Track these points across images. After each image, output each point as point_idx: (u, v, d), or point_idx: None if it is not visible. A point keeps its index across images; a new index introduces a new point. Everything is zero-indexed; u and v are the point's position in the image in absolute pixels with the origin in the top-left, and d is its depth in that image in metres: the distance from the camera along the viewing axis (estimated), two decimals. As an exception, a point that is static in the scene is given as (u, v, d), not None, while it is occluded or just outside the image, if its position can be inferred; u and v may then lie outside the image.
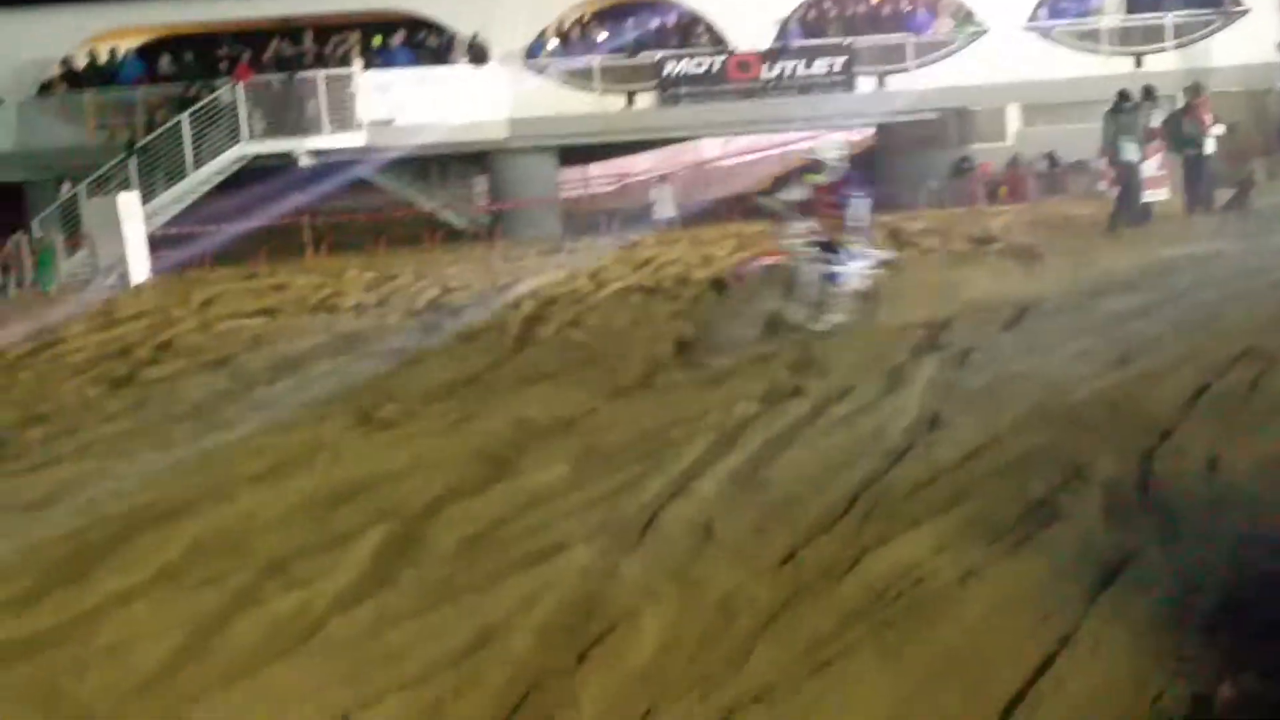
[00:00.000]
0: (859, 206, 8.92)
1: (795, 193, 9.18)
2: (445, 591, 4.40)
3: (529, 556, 4.71)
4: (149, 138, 20.94)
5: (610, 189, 26.60)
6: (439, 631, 3.94)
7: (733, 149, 28.74)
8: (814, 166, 9.22)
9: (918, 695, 3.21)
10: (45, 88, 23.06)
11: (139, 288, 18.52)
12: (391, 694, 3.33)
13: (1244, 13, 21.73)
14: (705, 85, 22.23)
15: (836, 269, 8.69)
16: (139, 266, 19.11)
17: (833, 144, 10.04)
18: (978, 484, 5.39)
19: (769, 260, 8.99)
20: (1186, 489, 5.06)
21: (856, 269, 8.88)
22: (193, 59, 23.04)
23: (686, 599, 4.12)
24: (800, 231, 8.74)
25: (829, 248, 8.77)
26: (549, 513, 5.46)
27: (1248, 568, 3.90)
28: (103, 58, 23.38)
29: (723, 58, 22.52)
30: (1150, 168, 15.97)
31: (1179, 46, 21.86)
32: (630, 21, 22.91)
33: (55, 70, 23.10)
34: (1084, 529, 4.57)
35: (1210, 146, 15.82)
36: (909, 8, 23.04)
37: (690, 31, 22.53)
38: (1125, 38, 22.32)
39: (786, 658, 3.55)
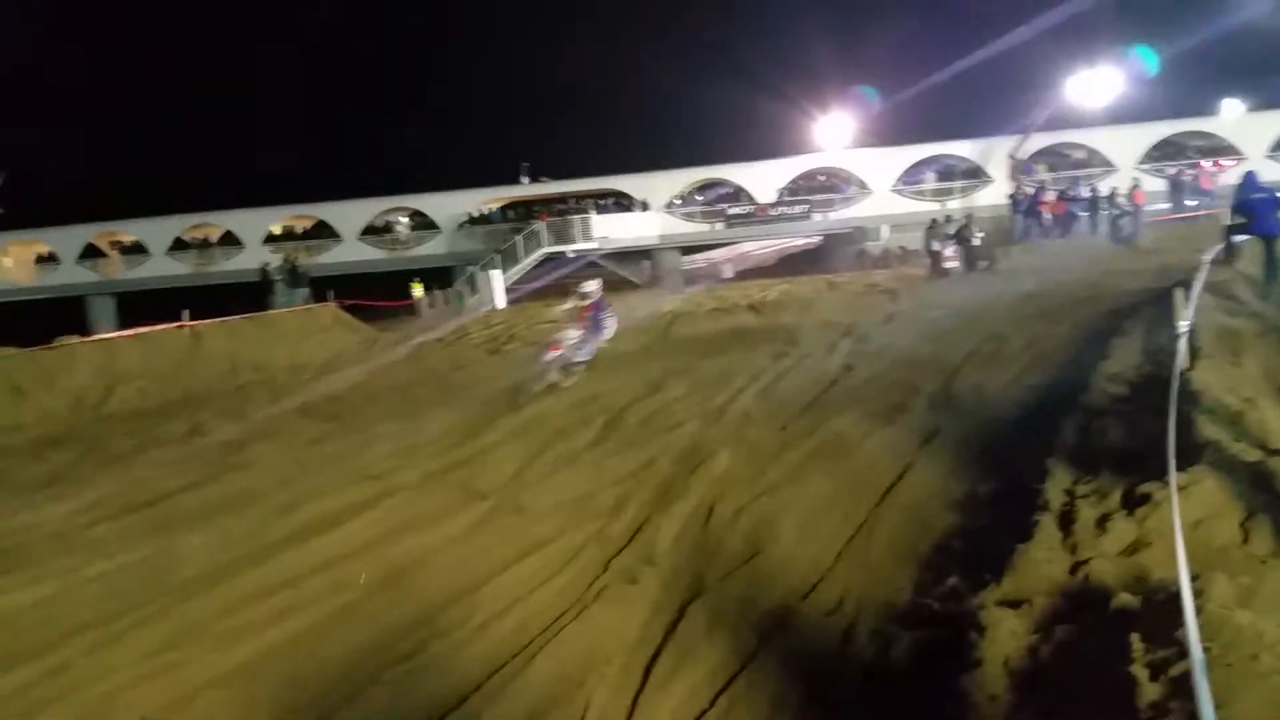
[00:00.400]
0: (606, 319, 12.93)
1: (570, 303, 13.34)
2: (631, 443, 8.69)
3: (667, 427, 9.13)
4: (504, 246, 38.76)
5: (703, 265, 45.84)
6: (629, 460, 8.06)
7: (757, 245, 50.49)
8: (581, 296, 13.04)
9: (841, 490, 6.70)
10: (462, 224, 42.95)
11: (500, 311, 31.61)
12: (609, 486, 7.32)
13: (992, 180, 39.41)
14: (745, 218, 41.79)
15: (586, 348, 12.52)
16: (500, 301, 34.22)
17: (593, 284, 13.39)
18: (869, 395, 9.71)
19: (555, 349, 12.24)
20: (965, 396, 9.19)
21: (591, 348, 12.56)
22: (522, 210, 43.47)
23: (737, 445, 8.18)
24: (571, 335, 12.44)
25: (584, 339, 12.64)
26: (677, 409, 10.10)
27: (991, 432, 7.68)
28: (485, 210, 43.90)
29: (753, 205, 41.91)
30: (948, 252, 26.01)
31: (961, 195, 39.70)
32: (711, 191, 43.43)
33: (465, 217, 43.15)
34: (919, 415, 8.51)
35: (977, 241, 25.49)
36: (836, 182, 42.17)
37: (739, 194, 42.45)
38: (936, 193, 40.49)
39: (781, 472, 7.36)
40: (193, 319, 19.13)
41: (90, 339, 16.80)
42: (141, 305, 33.96)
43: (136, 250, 44.09)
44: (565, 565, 5.75)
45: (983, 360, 11.09)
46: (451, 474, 8.18)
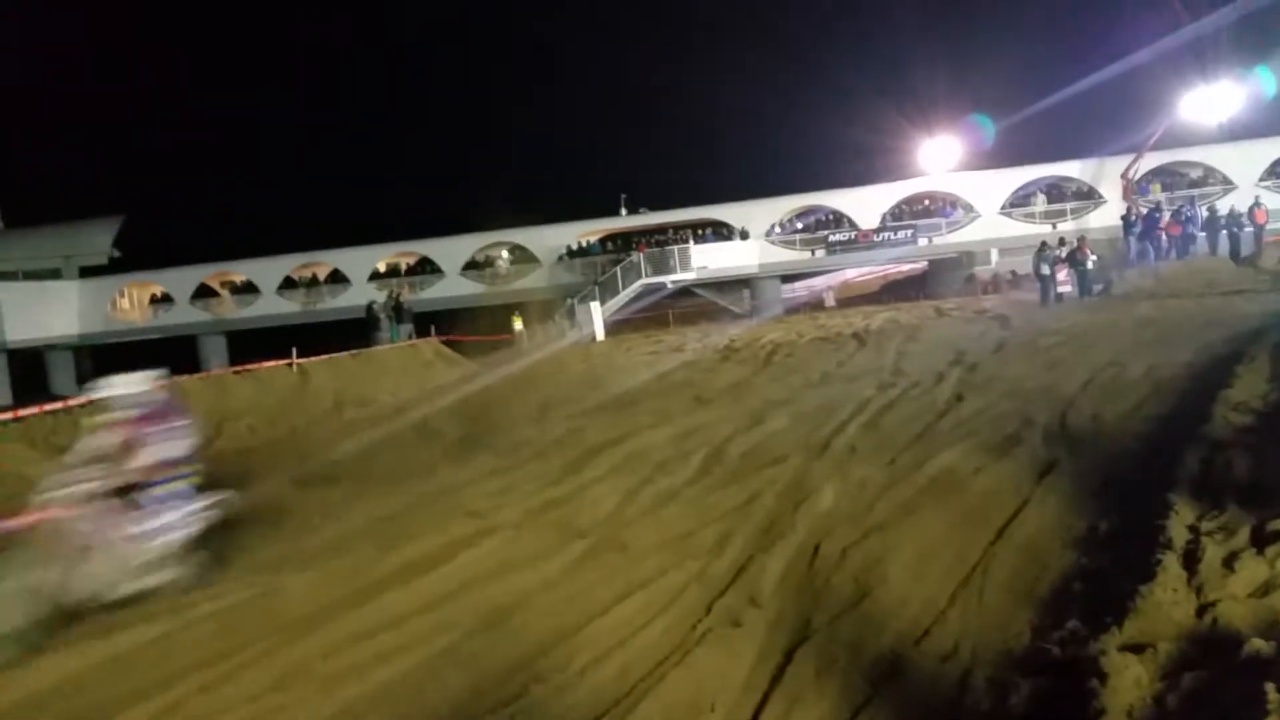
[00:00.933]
0: (167, 440, 6.84)
1: (92, 444, 6.64)
2: (733, 477, 8.60)
3: (771, 461, 9.00)
4: (603, 277, 39.75)
5: (805, 293, 46.12)
6: (731, 495, 7.96)
7: (860, 272, 50.08)
8: (104, 406, 6.93)
9: (953, 528, 6.44)
10: (561, 257, 43.76)
11: (599, 340, 33.41)
12: (711, 524, 7.20)
13: (1105, 201, 38.50)
14: (846, 244, 41.56)
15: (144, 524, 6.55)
16: (600, 332, 35.23)
17: (129, 381, 7.02)
18: (980, 427, 9.46)
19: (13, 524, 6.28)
20: (1082, 428, 8.89)
21: (174, 517, 6.77)
22: (621, 241, 44.25)
23: (843, 481, 8.01)
24: (83, 479, 6.32)
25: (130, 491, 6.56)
26: (779, 441, 9.97)
27: (1110, 465, 7.38)
28: (583, 242, 44.63)
29: (854, 231, 41.74)
30: (1060, 276, 26.11)
31: (1073, 217, 38.91)
32: (812, 217, 43.29)
33: (564, 249, 43.96)
34: (1033, 448, 8.29)
35: (1090, 265, 25.56)
36: (942, 206, 41.57)
37: (840, 220, 42.29)
38: (1046, 215, 39.88)
39: (889, 509, 7.13)
40: (301, 356, 19.74)
41: (200, 375, 17.36)
42: (251, 343, 35.30)
43: (247, 289, 45.85)
44: (668, 606, 5.64)
45: (1099, 390, 10.78)
46: (551, 512, 8.16)
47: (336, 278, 45.32)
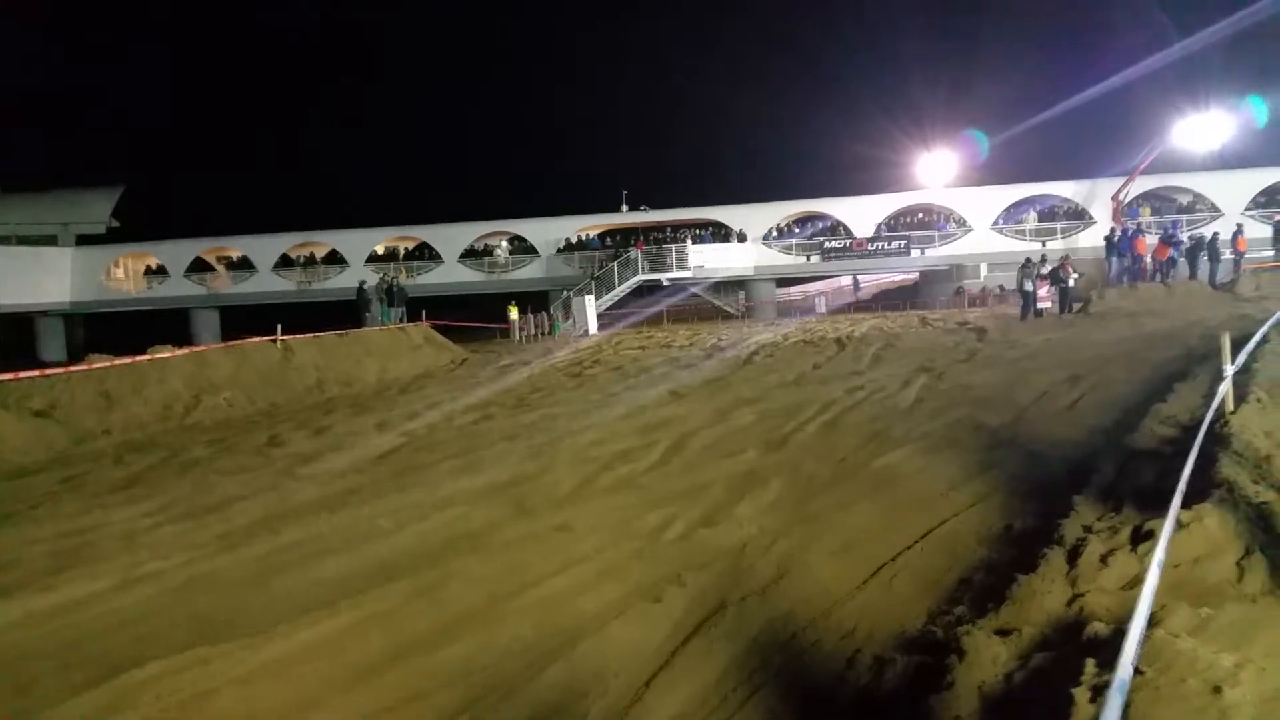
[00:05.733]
0: None
1: None
2: (689, 468, 8.98)
3: (729, 454, 9.42)
4: (600, 272, 40.71)
5: (798, 298, 47.47)
6: (683, 483, 8.38)
7: (853, 280, 50.38)
8: None
9: (884, 521, 6.80)
10: (559, 250, 44.66)
11: (592, 336, 33.32)
12: (657, 509, 7.51)
13: (1095, 222, 39.39)
14: (842, 251, 42.44)
15: None
16: (593, 327, 36.06)
17: None
18: (932, 430, 9.81)
19: None
20: (1026, 435, 9.32)
21: None
22: (620, 237, 44.82)
23: (792, 475, 8.36)
24: None
25: None
26: (741, 436, 10.34)
27: (1042, 470, 7.65)
28: (582, 236, 45.71)
29: (850, 239, 42.57)
30: (1042, 292, 27.06)
31: (1063, 236, 40.27)
32: (809, 224, 43.93)
33: (563, 242, 44.91)
34: (975, 452, 8.68)
35: (1071, 282, 26.29)
36: (935, 219, 42.49)
37: (837, 228, 42.98)
38: (1037, 232, 41.23)
39: (829, 501, 7.50)
40: (294, 335, 20.00)
41: (183, 350, 17.53)
42: (245, 320, 35.40)
43: (243, 266, 46.17)
44: (597, 582, 5.83)
45: (1051, 400, 11.14)
46: (508, 490, 8.38)
47: (334, 258, 45.65)
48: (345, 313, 30.68)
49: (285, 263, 46.12)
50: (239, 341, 19.12)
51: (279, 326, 19.62)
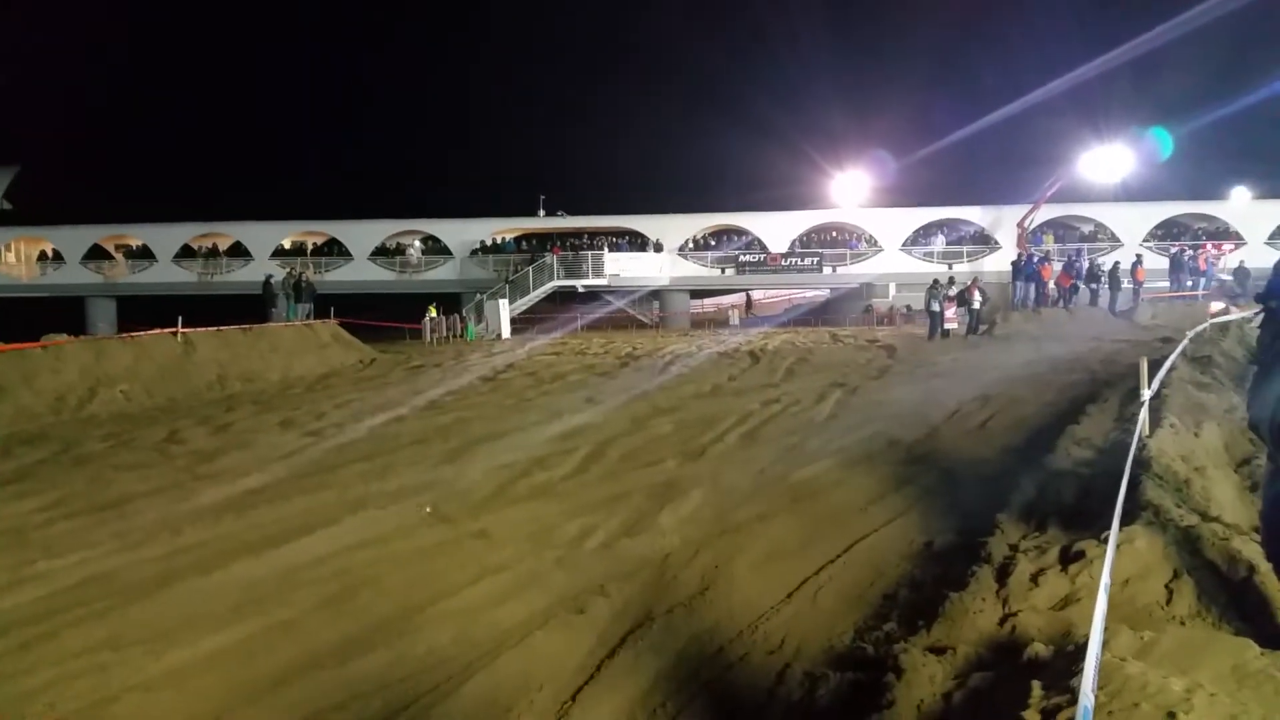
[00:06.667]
0: None
1: None
2: (609, 476, 8.88)
3: (648, 463, 9.33)
4: (514, 276, 39.95)
5: (712, 310, 47.23)
6: (603, 492, 8.23)
7: (766, 295, 51.40)
8: None
9: (805, 534, 6.79)
10: (474, 252, 43.90)
11: (505, 340, 33.15)
12: (578, 518, 7.39)
13: (1000, 247, 40.62)
14: (756, 266, 42.94)
15: None
16: (507, 331, 35.59)
17: None
18: (848, 444, 9.91)
19: None
20: (940, 451, 9.44)
21: None
22: (536, 242, 44.86)
23: (713, 485, 8.36)
24: None
25: None
26: (660, 445, 10.29)
27: (959, 487, 7.72)
28: (498, 239, 45.00)
29: (765, 254, 43.06)
30: (949, 314, 27.70)
31: (969, 259, 41.11)
32: (725, 237, 44.36)
33: (478, 244, 44.13)
34: (892, 467, 8.78)
35: (977, 305, 26.83)
36: (848, 238, 43.26)
37: (753, 242, 43.33)
38: (944, 255, 42.00)
39: (750, 513, 7.44)
40: (195, 328, 19.23)
41: (78, 339, 16.74)
42: (142, 311, 34.09)
43: (143, 255, 44.51)
44: (518, 592, 5.67)
45: (963, 419, 11.35)
46: (420, 496, 8.13)
47: (238, 250, 44.23)
48: (250, 307, 29.77)
49: (187, 253, 44.54)
50: (138, 333, 18.36)
51: (180, 319, 18.87)
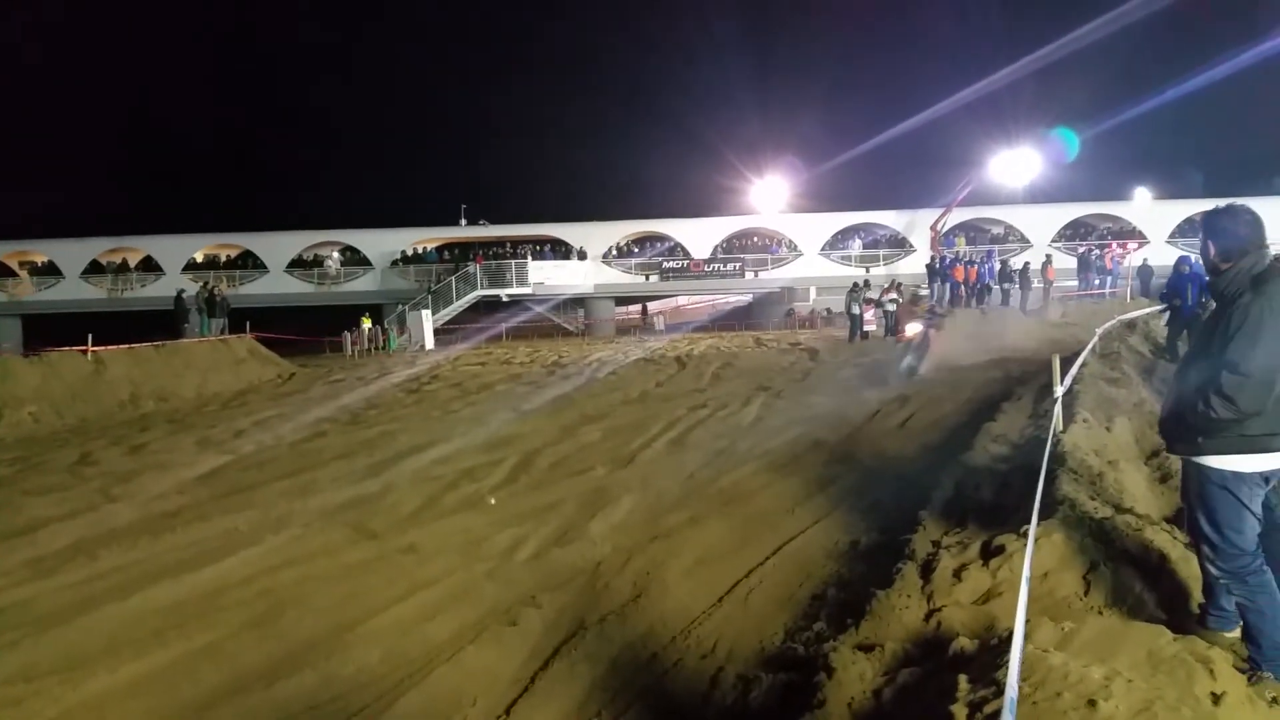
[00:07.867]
0: None
1: None
2: (538, 485, 8.87)
3: (577, 472, 9.33)
4: (437, 286, 39.48)
5: (636, 316, 47.18)
6: (533, 502, 8.21)
7: (690, 300, 51.25)
8: None
9: (734, 538, 6.86)
10: (395, 262, 43.30)
11: (429, 351, 32.48)
12: (508, 529, 7.34)
13: (915, 250, 41.37)
14: (680, 272, 43.19)
15: None
16: (430, 342, 34.61)
17: None
18: (774, 447, 10.02)
19: None
20: (863, 452, 9.63)
21: None
22: (458, 251, 43.73)
23: (643, 492, 8.42)
24: None
25: None
26: (589, 453, 10.31)
27: (881, 486, 7.86)
28: (419, 249, 44.28)
29: (688, 260, 43.56)
30: (868, 316, 28.75)
31: (886, 263, 41.97)
32: (649, 244, 44.35)
33: (399, 254, 43.54)
34: (817, 468, 8.93)
35: (893, 307, 26.36)
36: (769, 243, 43.82)
37: (676, 249, 43.71)
38: (862, 259, 42.81)
39: (680, 518, 7.49)
40: (105, 346, 18.61)
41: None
42: (51, 329, 33.13)
43: (49, 271, 43.04)
44: (449, 606, 5.62)
45: (884, 419, 11.61)
46: (347, 512, 8.01)
47: (149, 265, 43.03)
48: (162, 323, 28.91)
49: (95, 269, 43.15)
50: (45, 352, 17.70)
51: (89, 336, 18.26)
